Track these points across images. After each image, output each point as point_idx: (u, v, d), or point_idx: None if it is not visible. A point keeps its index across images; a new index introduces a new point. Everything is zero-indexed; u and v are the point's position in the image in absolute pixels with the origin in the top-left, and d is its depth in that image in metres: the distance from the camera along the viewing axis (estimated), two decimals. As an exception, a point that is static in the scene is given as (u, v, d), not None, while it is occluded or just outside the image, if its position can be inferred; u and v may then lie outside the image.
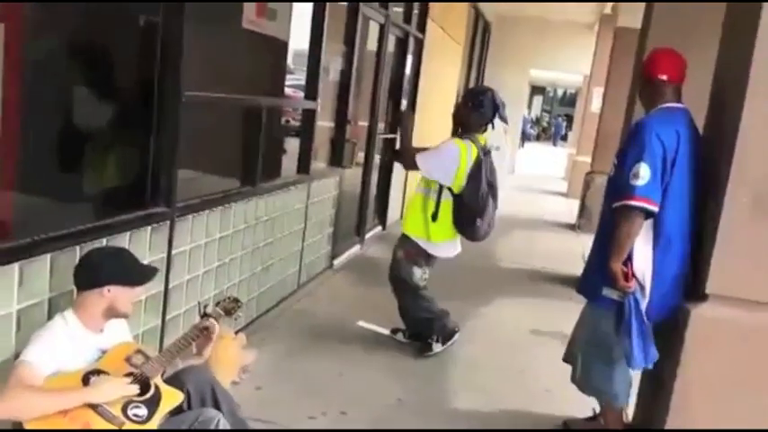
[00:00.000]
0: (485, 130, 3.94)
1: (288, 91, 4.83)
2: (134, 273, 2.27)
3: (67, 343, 2.10)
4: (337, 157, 5.44)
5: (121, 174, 3.07)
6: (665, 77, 2.79)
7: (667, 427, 2.59)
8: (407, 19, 7.03)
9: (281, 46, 4.40)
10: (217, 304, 2.67)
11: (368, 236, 6.69)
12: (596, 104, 10.61)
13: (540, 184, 14.20)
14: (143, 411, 2.07)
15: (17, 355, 2.07)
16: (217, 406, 2.32)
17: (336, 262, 5.66)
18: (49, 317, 2.28)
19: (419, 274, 3.95)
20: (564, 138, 30.08)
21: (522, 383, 3.82)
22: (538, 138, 33.05)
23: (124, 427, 2.00)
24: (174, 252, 3.13)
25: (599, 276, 2.83)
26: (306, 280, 4.97)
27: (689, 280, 2.69)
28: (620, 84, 7.25)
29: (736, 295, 2.51)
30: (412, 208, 3.98)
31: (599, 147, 8.82)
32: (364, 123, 6.29)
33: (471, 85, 11.97)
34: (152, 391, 2.14)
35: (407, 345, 4.12)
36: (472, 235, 3.92)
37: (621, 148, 2.94)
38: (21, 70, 2.38)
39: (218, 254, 3.58)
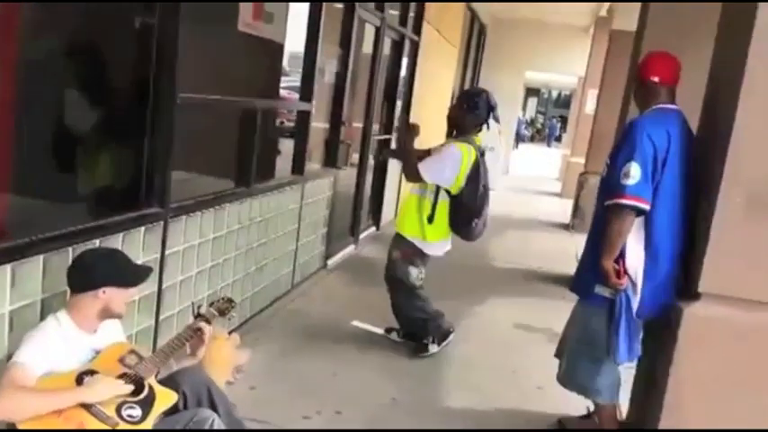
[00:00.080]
0: (479, 131, 3.95)
1: (283, 92, 4.83)
2: (128, 273, 2.26)
3: (60, 344, 2.09)
4: (332, 158, 5.45)
5: (115, 174, 3.07)
6: (657, 79, 2.83)
7: (661, 425, 2.60)
8: (403, 21, 7.04)
9: (277, 48, 4.40)
10: (210, 305, 2.67)
11: (362, 236, 6.69)
12: (590, 106, 10.63)
13: (535, 184, 14.22)
14: (137, 412, 2.06)
15: (10, 357, 2.06)
16: (213, 407, 2.32)
17: (330, 262, 5.66)
18: (42, 318, 2.27)
19: (415, 273, 3.95)
20: (558, 139, 30.13)
21: (515, 382, 3.83)
22: (532, 139, 33.08)
23: (118, 428, 1.99)
24: (167, 252, 3.13)
25: (591, 274, 2.85)
26: (300, 280, 4.97)
27: (680, 279, 2.71)
28: (614, 85, 7.29)
29: (730, 294, 2.53)
30: (407, 208, 3.99)
31: (593, 148, 8.84)
32: (359, 125, 6.29)
33: (466, 86, 12.00)
34: (146, 391, 2.13)
35: (402, 344, 4.12)
36: (467, 235, 3.94)
37: (614, 148, 2.96)
38: (15, 70, 2.37)
39: (212, 254, 3.58)
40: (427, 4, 7.48)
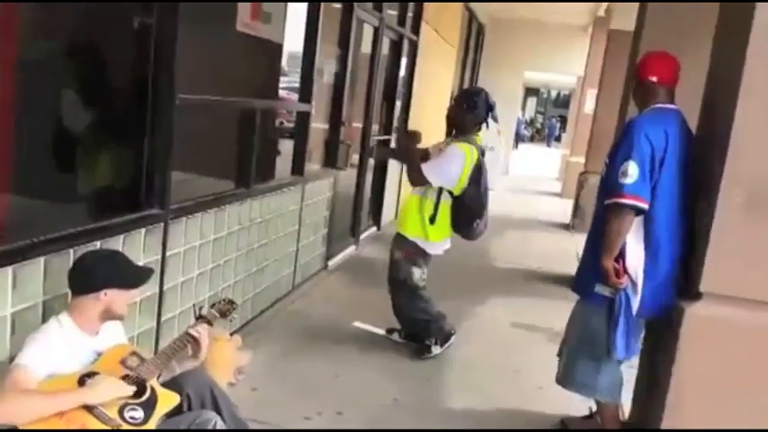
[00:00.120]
0: (479, 130, 3.96)
1: (282, 93, 4.83)
2: (129, 275, 2.26)
3: (62, 346, 2.09)
4: (332, 159, 5.45)
5: (115, 175, 3.06)
6: (655, 79, 2.83)
7: (663, 425, 2.60)
8: (402, 21, 7.04)
9: (276, 48, 4.40)
10: (212, 306, 2.67)
11: (362, 237, 6.69)
12: (590, 106, 10.64)
13: (534, 184, 14.22)
14: (139, 414, 2.06)
15: (12, 359, 2.07)
16: (216, 409, 2.32)
17: (331, 263, 5.66)
18: (44, 320, 2.27)
19: (418, 273, 3.96)
20: (558, 139, 30.12)
21: (516, 382, 3.83)
22: (532, 139, 33.09)
23: (120, 429, 1.99)
24: (168, 254, 3.13)
25: (592, 274, 2.86)
26: (300, 281, 4.97)
27: (681, 279, 2.71)
28: (613, 85, 7.29)
29: (731, 294, 2.52)
30: (409, 209, 3.98)
31: (592, 147, 8.84)
32: (358, 125, 6.29)
33: (465, 86, 12.00)
34: (148, 393, 2.13)
35: (403, 345, 4.12)
36: (468, 234, 3.96)
37: (613, 147, 2.96)
38: (15, 71, 2.37)
39: (213, 256, 3.58)
40: (425, 4, 7.48)
